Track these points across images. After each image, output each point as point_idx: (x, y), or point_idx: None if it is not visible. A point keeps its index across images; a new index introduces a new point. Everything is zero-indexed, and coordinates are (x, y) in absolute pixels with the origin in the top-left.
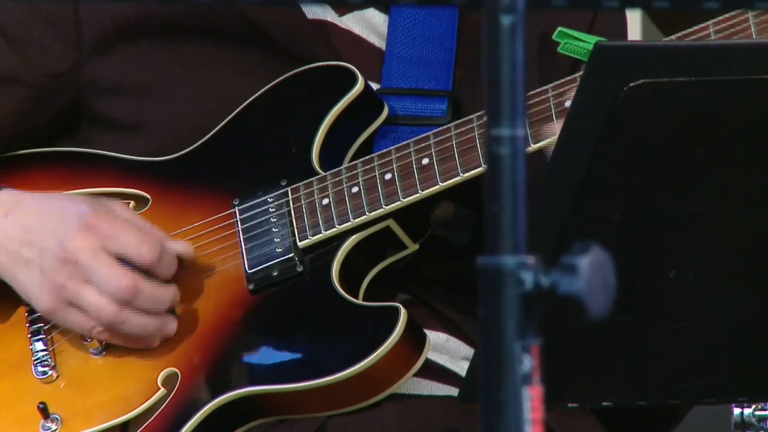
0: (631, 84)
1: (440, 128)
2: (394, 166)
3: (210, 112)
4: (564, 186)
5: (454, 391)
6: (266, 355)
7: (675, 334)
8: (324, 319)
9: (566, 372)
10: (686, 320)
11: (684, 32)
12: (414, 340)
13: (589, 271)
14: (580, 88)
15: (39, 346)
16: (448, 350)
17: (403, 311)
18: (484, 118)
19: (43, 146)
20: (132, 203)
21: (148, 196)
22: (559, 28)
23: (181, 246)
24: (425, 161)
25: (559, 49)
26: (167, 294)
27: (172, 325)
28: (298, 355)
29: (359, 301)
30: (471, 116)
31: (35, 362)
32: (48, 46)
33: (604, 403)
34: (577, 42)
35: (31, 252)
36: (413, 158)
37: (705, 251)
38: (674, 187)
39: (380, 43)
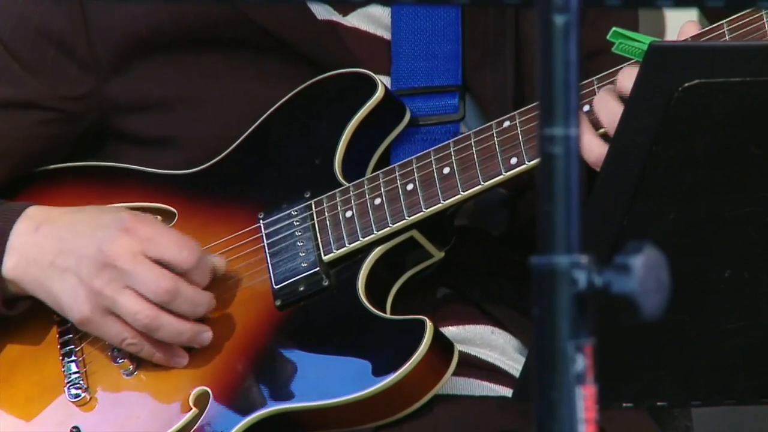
0: (686, 84)
1: (460, 136)
2: (416, 176)
3: (236, 121)
4: (619, 185)
5: (506, 392)
6: (295, 372)
7: (730, 333)
8: (351, 333)
9: (621, 372)
10: (742, 319)
11: (698, 32)
12: (442, 352)
13: (643, 271)
14: (635, 87)
15: (72, 368)
16: (495, 345)
17: (429, 324)
18: (504, 124)
19: (70, 162)
20: (159, 218)
21: (175, 210)
22: (614, 28)
23: (216, 260)
24: (446, 170)
25: (613, 50)
26: (205, 298)
27: (206, 335)
28: (326, 372)
29: (384, 315)
30: (490, 123)
31: (68, 384)
32: (64, 70)
33: (659, 403)
34: (631, 42)
35: (67, 261)
36: (434, 168)
37: (760, 250)
38: (729, 187)
39: (386, 34)
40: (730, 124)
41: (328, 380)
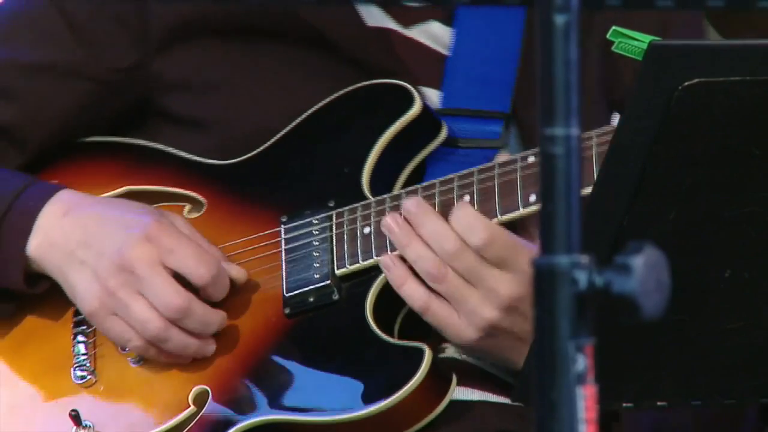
0: (686, 83)
1: (485, 165)
2: (436, 200)
3: (274, 114)
4: (618, 185)
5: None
6: (293, 383)
7: (730, 333)
8: (352, 352)
9: (621, 372)
10: (742, 319)
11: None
12: (438, 381)
13: (643, 271)
14: (635, 87)
15: (81, 349)
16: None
17: (427, 353)
18: (529, 159)
19: (110, 136)
20: (188, 207)
21: (204, 200)
22: (614, 27)
23: (235, 270)
24: (467, 198)
25: (613, 48)
26: (216, 318)
27: (210, 348)
28: (322, 388)
29: (386, 337)
30: (516, 155)
31: (75, 365)
32: (114, 40)
33: (659, 403)
34: (631, 41)
35: (87, 254)
36: (455, 194)
37: (760, 250)
38: (729, 186)
39: (444, 51)
40: (730, 124)
41: (322, 396)
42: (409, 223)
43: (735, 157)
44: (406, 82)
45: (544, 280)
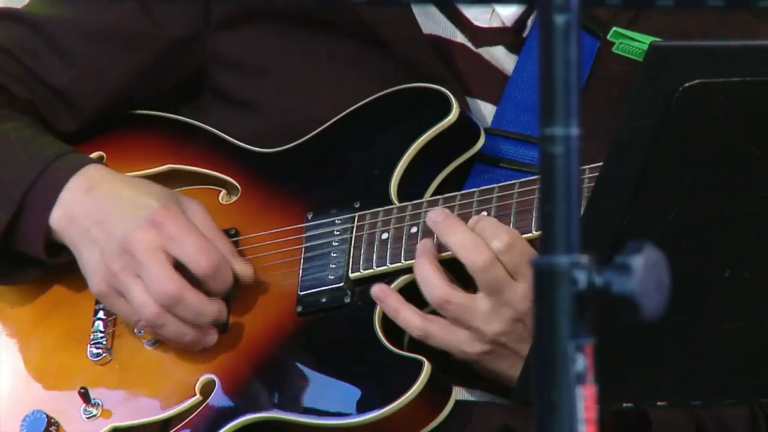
0: (687, 84)
1: (507, 182)
2: (455, 213)
3: (322, 104)
4: (618, 185)
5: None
6: (297, 383)
7: (730, 333)
8: (356, 358)
9: (621, 372)
10: (742, 319)
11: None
12: (436, 395)
13: (643, 271)
14: (635, 87)
15: (99, 326)
16: None
17: (426, 366)
18: None
19: (165, 110)
20: (223, 192)
21: (240, 187)
22: (614, 28)
23: (241, 267)
24: (484, 214)
25: (613, 50)
26: (210, 309)
27: (211, 338)
28: (322, 391)
29: (389, 346)
30: (536, 177)
31: (92, 342)
32: (176, 10)
33: (659, 403)
34: (632, 42)
35: (99, 233)
36: (474, 209)
37: (760, 250)
38: (729, 187)
39: (508, 71)
40: (730, 124)
41: (321, 399)
42: (414, 238)
43: (735, 157)
44: (456, 90)
45: (544, 279)
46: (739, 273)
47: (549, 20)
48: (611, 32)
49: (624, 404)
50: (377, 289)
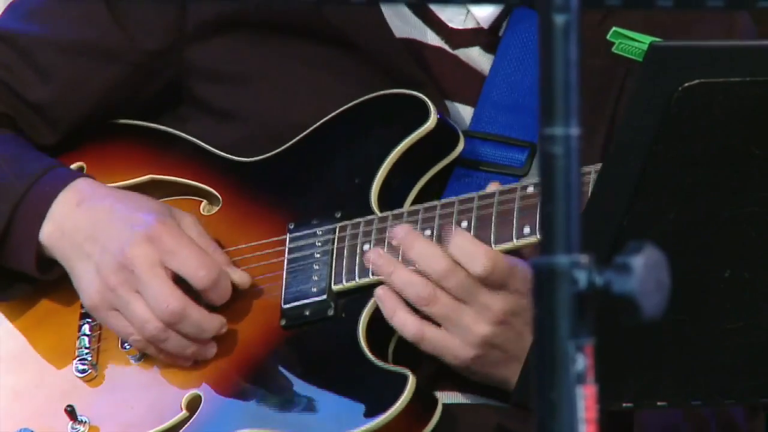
0: (686, 84)
1: (486, 191)
2: (435, 223)
3: (301, 109)
4: (618, 185)
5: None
6: (280, 399)
7: (730, 333)
8: (341, 371)
9: (621, 372)
10: (742, 319)
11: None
12: (421, 408)
13: (643, 271)
14: (635, 87)
15: (85, 342)
16: None
17: (411, 380)
18: (528, 189)
19: (144, 120)
20: (205, 202)
21: (221, 197)
22: (614, 28)
23: (238, 275)
24: (464, 224)
25: (613, 50)
26: (213, 324)
27: (210, 351)
28: (306, 406)
29: (373, 359)
30: (516, 184)
31: (78, 358)
32: (150, 22)
33: (659, 403)
34: (631, 42)
35: (92, 248)
36: (454, 219)
37: (760, 250)
38: (729, 187)
39: (485, 72)
40: (730, 124)
41: (305, 415)
42: (395, 249)
43: (735, 157)
44: (434, 94)
45: (544, 279)
46: (739, 273)
47: (549, 20)
48: (611, 32)
49: (624, 404)
50: (381, 291)
